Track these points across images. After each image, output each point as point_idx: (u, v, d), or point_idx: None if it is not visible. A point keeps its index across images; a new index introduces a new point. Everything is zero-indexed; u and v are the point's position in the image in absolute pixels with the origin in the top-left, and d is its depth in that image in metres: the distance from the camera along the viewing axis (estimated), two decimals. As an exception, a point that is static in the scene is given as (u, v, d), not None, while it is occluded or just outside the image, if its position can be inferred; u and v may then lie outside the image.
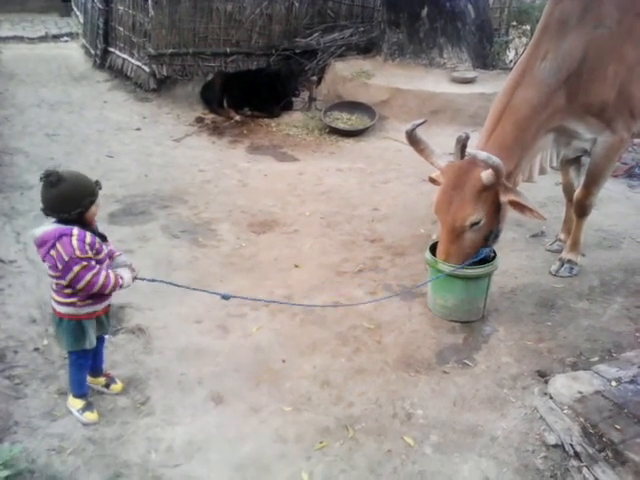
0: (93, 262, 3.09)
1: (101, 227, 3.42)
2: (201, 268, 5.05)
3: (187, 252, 5.32)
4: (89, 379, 3.60)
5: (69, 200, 3.04)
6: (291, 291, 4.76)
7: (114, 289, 3.20)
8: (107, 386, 3.61)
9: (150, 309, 4.43)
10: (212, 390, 3.69)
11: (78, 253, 3.02)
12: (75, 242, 3.03)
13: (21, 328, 4.09)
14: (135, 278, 3.39)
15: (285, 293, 4.73)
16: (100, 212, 5.57)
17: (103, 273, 3.12)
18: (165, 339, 4.13)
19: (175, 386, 3.71)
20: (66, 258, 3.01)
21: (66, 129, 8.40)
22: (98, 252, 3.15)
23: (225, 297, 3.66)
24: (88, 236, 3.08)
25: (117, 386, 3.63)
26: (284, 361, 3.97)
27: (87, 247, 3.06)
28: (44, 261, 3.12)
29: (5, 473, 2.85)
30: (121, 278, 3.22)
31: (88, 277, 3.06)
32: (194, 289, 3.84)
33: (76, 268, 3.03)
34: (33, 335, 4.03)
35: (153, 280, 3.56)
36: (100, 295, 3.22)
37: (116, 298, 4.28)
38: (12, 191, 6.20)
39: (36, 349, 3.90)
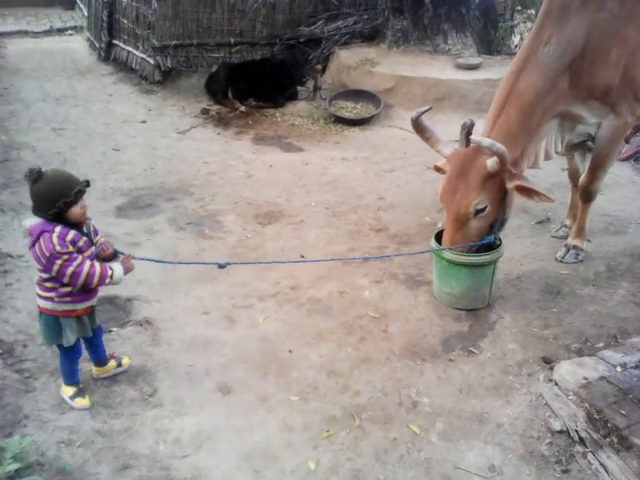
0: (75, 255, 3.12)
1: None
2: (207, 259, 5.06)
3: (193, 244, 5.34)
4: (98, 370, 3.67)
5: (43, 200, 3.07)
6: (297, 281, 4.78)
7: (102, 280, 3.20)
8: (119, 366, 3.70)
9: (158, 301, 4.47)
10: (220, 381, 3.72)
11: (58, 248, 3.07)
12: (55, 238, 3.07)
13: (30, 322, 4.12)
14: (131, 257, 3.43)
15: (291, 283, 4.75)
16: (107, 205, 5.72)
17: (88, 262, 3.15)
18: (173, 331, 4.16)
19: (183, 377, 3.74)
20: (47, 254, 3.07)
21: (72, 123, 8.42)
22: (81, 250, 3.17)
23: (221, 266, 3.66)
24: (70, 234, 3.12)
25: (126, 360, 3.74)
26: (291, 351, 4.00)
27: (67, 243, 3.09)
28: (30, 251, 3.17)
29: (15, 466, 2.89)
30: (110, 269, 3.23)
31: (72, 268, 3.10)
32: (189, 263, 3.85)
33: (58, 262, 3.08)
34: (42, 329, 4.07)
35: (151, 260, 3.66)
36: (80, 293, 3.24)
37: (123, 290, 4.36)
38: (19, 186, 6.20)
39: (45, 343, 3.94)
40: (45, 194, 3.06)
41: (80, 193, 3.12)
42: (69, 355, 3.44)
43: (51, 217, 3.09)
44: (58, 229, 3.09)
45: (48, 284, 3.21)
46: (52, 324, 3.30)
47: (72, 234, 3.12)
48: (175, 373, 3.77)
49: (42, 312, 3.31)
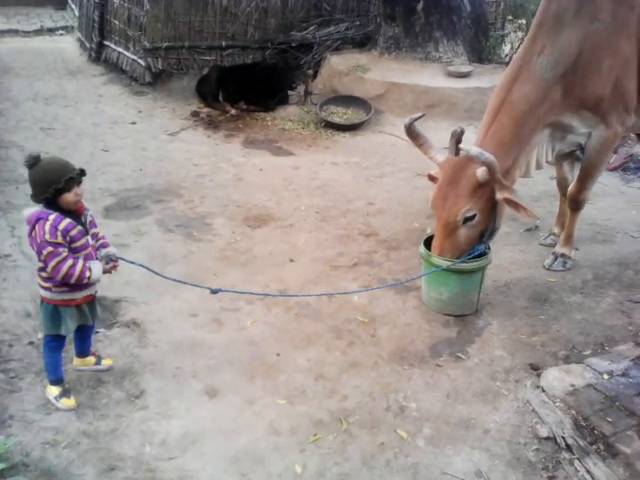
0: (61, 249, 3.14)
1: (96, 221, 3.45)
2: (196, 262, 5.06)
3: (182, 246, 5.32)
4: (78, 361, 3.67)
5: (36, 185, 3.14)
6: (286, 285, 4.77)
7: (79, 280, 3.20)
8: (98, 363, 3.70)
9: (145, 303, 4.44)
10: (207, 383, 3.70)
11: (47, 237, 3.10)
12: (48, 226, 3.10)
13: (16, 322, 4.09)
14: (120, 258, 3.46)
15: (280, 287, 4.74)
16: (95, 206, 5.68)
17: (69, 262, 3.15)
18: (160, 333, 4.14)
19: (170, 379, 3.72)
20: (39, 240, 3.12)
21: (61, 123, 8.38)
22: (74, 240, 3.20)
23: (214, 292, 3.68)
24: (64, 223, 3.14)
25: (107, 360, 3.74)
26: (278, 354, 3.99)
27: (59, 233, 3.12)
28: (28, 239, 3.22)
29: (0, 466, 2.86)
30: (89, 270, 3.22)
31: (53, 263, 3.13)
32: (183, 282, 3.85)
33: (44, 252, 3.12)
34: (28, 329, 4.03)
35: (145, 267, 3.63)
36: (75, 284, 3.25)
37: (111, 292, 4.35)
38: (7, 185, 6.19)
39: (31, 343, 3.90)
40: (38, 180, 3.13)
41: (71, 181, 3.14)
42: (53, 345, 3.42)
43: (44, 203, 3.14)
44: (52, 217, 3.12)
45: (44, 274, 3.23)
46: (52, 313, 3.32)
47: (66, 222, 3.14)
48: (162, 375, 3.75)
49: (43, 301, 3.34)
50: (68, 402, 3.42)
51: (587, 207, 5.11)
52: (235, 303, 4.47)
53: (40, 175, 3.12)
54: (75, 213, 3.26)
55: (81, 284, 3.26)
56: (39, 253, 3.15)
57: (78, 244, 3.22)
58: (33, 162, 3.11)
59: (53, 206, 3.15)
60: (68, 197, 3.16)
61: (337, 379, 3.79)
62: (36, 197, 3.16)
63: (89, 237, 3.32)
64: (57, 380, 3.46)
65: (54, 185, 3.09)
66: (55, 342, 3.42)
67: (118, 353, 3.90)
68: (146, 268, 3.63)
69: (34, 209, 3.18)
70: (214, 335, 4.16)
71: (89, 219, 3.37)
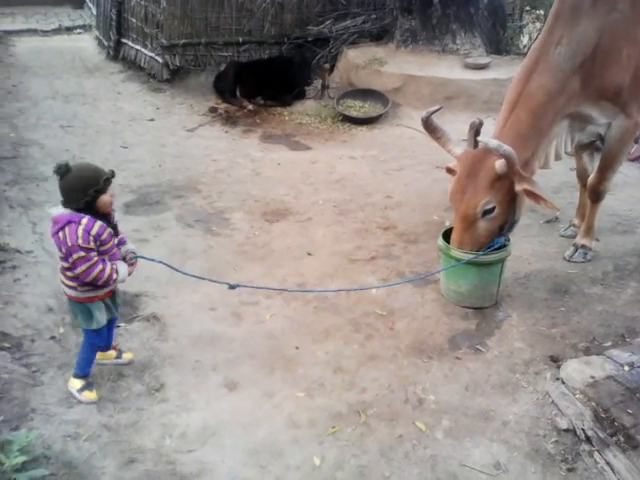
0: (92, 254, 3.17)
1: (116, 217, 3.48)
2: (215, 257, 5.09)
3: (201, 241, 5.35)
4: (99, 355, 3.70)
5: (74, 191, 3.15)
6: (304, 279, 4.78)
7: (107, 283, 3.28)
8: (119, 357, 3.74)
9: (165, 297, 4.48)
10: (226, 376, 3.73)
11: (80, 242, 3.12)
12: (80, 231, 3.13)
13: (38, 317, 4.14)
14: (139, 257, 3.51)
15: (298, 281, 4.76)
16: (115, 202, 5.65)
17: (99, 267, 3.19)
18: (180, 326, 4.17)
19: (190, 372, 3.75)
20: (69, 244, 3.13)
21: (80, 120, 8.46)
22: (104, 243, 3.23)
23: (232, 287, 3.70)
24: (96, 227, 3.17)
25: (127, 354, 3.78)
26: (297, 347, 4.00)
27: (91, 238, 3.15)
28: (52, 238, 3.24)
29: (22, 459, 2.90)
30: (116, 272, 3.28)
31: (83, 267, 3.16)
32: (202, 278, 3.87)
33: (75, 256, 3.14)
34: (49, 324, 4.08)
35: (164, 263, 3.66)
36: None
37: (131, 286, 4.38)
38: (28, 182, 6.25)
39: (52, 337, 3.95)
40: (76, 185, 3.14)
41: (108, 181, 3.22)
42: (94, 342, 3.49)
43: (83, 206, 3.16)
44: (85, 221, 3.14)
45: (69, 273, 3.26)
46: (80, 310, 3.37)
47: (98, 226, 3.18)
48: (182, 368, 3.78)
49: (69, 299, 3.39)
50: (90, 395, 3.46)
51: (607, 198, 5.06)
52: (254, 297, 4.49)
53: (75, 181, 3.14)
54: (106, 215, 3.30)
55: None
56: (68, 255, 3.16)
57: (107, 247, 3.27)
58: (65, 170, 3.13)
59: (86, 209, 3.18)
60: (105, 198, 3.22)
61: (355, 372, 3.80)
62: (73, 202, 3.16)
63: (116, 239, 3.37)
64: (84, 375, 3.51)
65: (94, 187, 3.14)
66: (96, 339, 3.48)
67: (138, 347, 3.94)
68: (165, 264, 3.65)
69: (64, 211, 3.18)
70: (233, 329, 4.19)
71: (115, 219, 3.42)
